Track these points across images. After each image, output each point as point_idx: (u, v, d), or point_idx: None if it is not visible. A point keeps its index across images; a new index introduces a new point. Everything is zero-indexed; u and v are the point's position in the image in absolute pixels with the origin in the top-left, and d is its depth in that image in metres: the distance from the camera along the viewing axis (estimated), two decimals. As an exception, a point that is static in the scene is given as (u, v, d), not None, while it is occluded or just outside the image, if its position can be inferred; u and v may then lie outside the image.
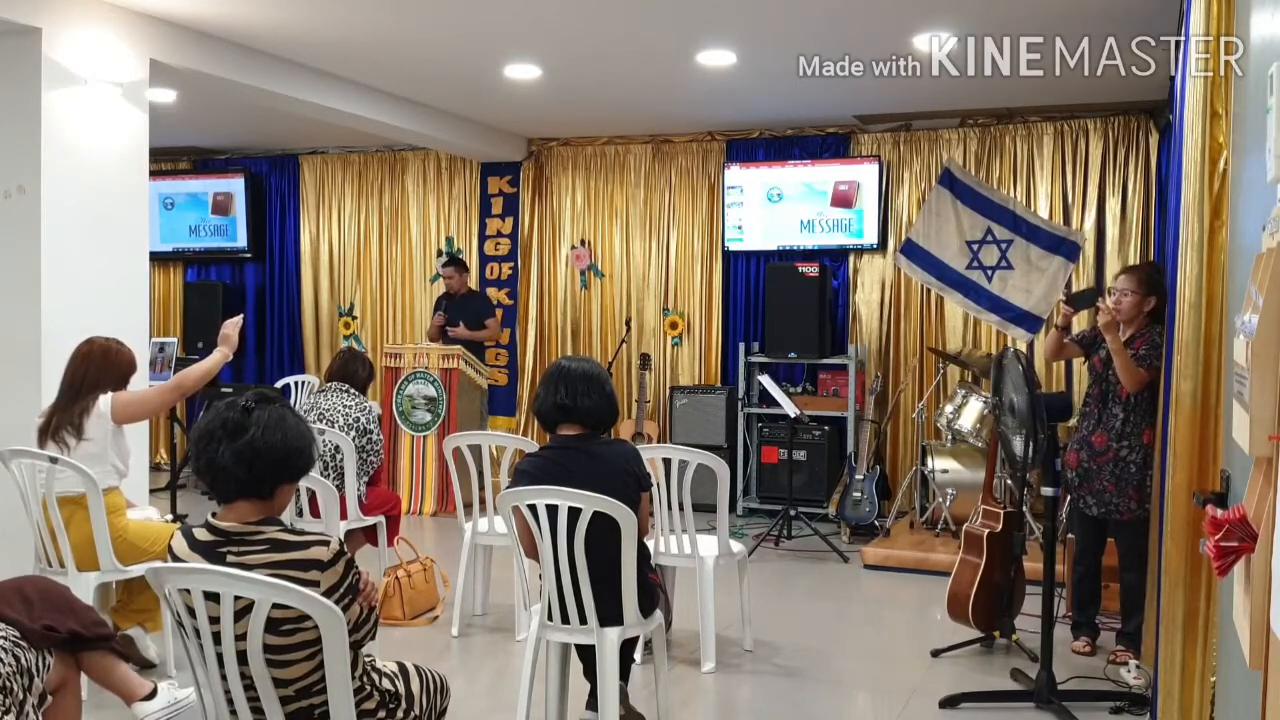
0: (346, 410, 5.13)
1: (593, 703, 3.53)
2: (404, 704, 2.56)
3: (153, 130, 5.50)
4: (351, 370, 5.32)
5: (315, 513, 4.80)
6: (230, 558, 2.29)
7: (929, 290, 7.29)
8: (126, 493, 4.36)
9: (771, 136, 8.15)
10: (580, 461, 3.34)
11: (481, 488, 4.91)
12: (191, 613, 2.27)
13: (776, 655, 4.69)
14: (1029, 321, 6.36)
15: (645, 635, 3.58)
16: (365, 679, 2.47)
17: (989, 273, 6.48)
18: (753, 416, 7.76)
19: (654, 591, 3.50)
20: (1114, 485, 4.38)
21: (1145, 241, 7.20)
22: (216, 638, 2.26)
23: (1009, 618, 4.62)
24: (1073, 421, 5.68)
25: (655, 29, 5.57)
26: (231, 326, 4.49)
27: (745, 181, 8.09)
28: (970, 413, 6.49)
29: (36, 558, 4.14)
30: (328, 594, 2.25)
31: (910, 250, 6.62)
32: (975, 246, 6.51)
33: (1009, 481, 5.45)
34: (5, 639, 2.83)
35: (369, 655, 2.57)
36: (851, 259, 7.95)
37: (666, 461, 4.46)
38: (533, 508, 3.31)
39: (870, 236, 7.79)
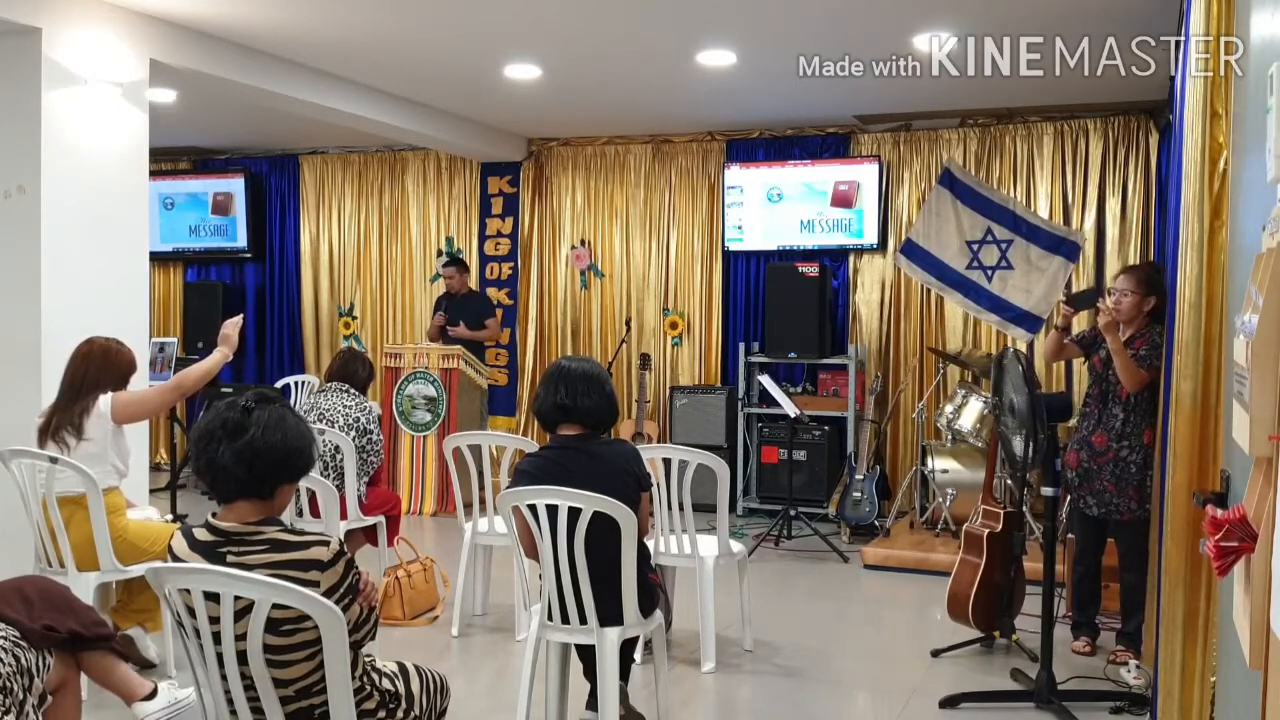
0: (346, 410, 5.13)
1: (593, 703, 3.53)
2: (404, 704, 2.56)
3: (153, 130, 5.50)
4: (351, 370, 5.32)
5: (315, 513, 4.80)
6: (230, 558, 2.29)
7: (929, 290, 7.29)
8: (126, 493, 4.36)
9: (771, 136, 8.15)
10: (580, 461, 3.34)
11: (481, 488, 4.91)
12: (191, 613, 2.27)
13: (776, 655, 4.69)
14: (1029, 321, 6.36)
15: (645, 635, 3.58)
16: (365, 679, 2.47)
17: (989, 273, 6.48)
18: (753, 416, 7.76)
19: (654, 591, 3.50)
20: (1114, 485, 4.38)
21: (1145, 241, 7.20)
22: (216, 638, 2.26)
23: (1009, 618, 4.62)
24: (1073, 421, 5.67)
25: (655, 29, 5.57)
26: (231, 326, 4.49)
27: (745, 181, 8.09)
28: (970, 413, 6.49)
29: (36, 558, 4.14)
30: (328, 594, 2.25)
31: (910, 250, 6.62)
32: (975, 246, 6.52)
33: (1009, 481, 5.45)
34: (5, 639, 2.83)
35: (369, 655, 2.57)
36: (851, 259, 7.95)
37: (666, 461, 4.46)
38: (533, 508, 3.31)
39: (870, 236, 7.79)
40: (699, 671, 4.38)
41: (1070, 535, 4.95)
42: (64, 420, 4.04)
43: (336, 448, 4.99)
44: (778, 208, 8.01)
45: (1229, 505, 2.00)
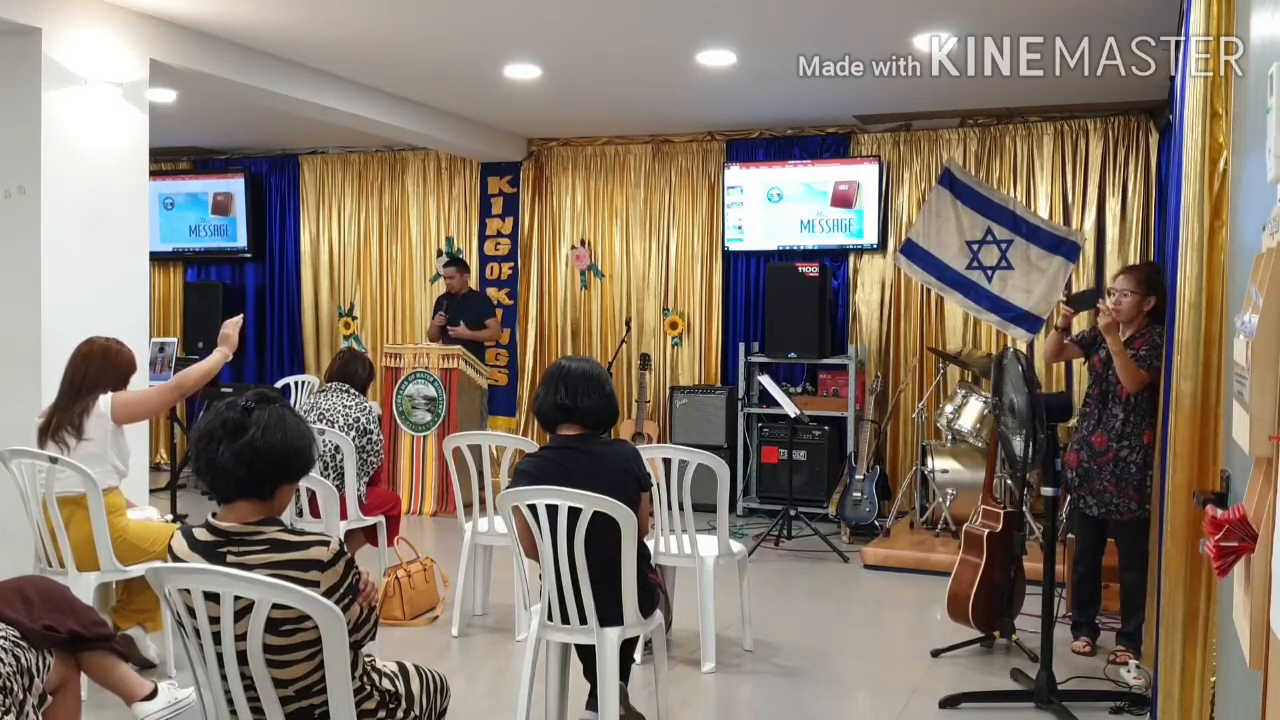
0: (346, 410, 5.13)
1: (593, 703, 3.53)
2: (404, 704, 2.56)
3: (153, 130, 5.50)
4: (351, 370, 5.32)
5: (315, 513, 4.80)
6: (230, 558, 2.29)
7: (929, 290, 7.29)
8: (126, 493, 4.36)
9: (771, 136, 8.15)
10: (580, 461, 3.34)
11: (481, 488, 4.91)
12: (191, 613, 2.27)
13: (776, 655, 4.69)
14: (1029, 321, 6.36)
15: (645, 635, 3.58)
16: (365, 679, 2.47)
17: (989, 273, 6.48)
18: (753, 416, 7.76)
19: (654, 591, 3.50)
20: (1114, 485, 4.38)
21: (1145, 241, 7.20)
22: (216, 638, 2.26)
23: (1009, 618, 4.62)
24: (1073, 421, 5.67)
25: (655, 29, 5.57)
26: (231, 326, 4.49)
27: (745, 181, 8.09)
28: (970, 413, 6.49)
29: (36, 558, 4.14)
30: (328, 594, 2.25)
31: (910, 250, 6.62)
32: (975, 246, 6.52)
33: (1009, 481, 5.44)
34: (5, 639, 2.83)
35: (369, 655, 2.57)
36: (851, 259, 7.95)
37: (666, 461, 4.46)
38: (533, 508, 3.31)
39: (870, 236, 7.79)
40: (699, 671, 4.38)
41: (1070, 535, 4.95)
42: (64, 420, 4.04)
43: (336, 448, 4.99)
44: (778, 208, 8.01)
45: (1229, 505, 2.00)
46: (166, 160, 9.75)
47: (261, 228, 9.67)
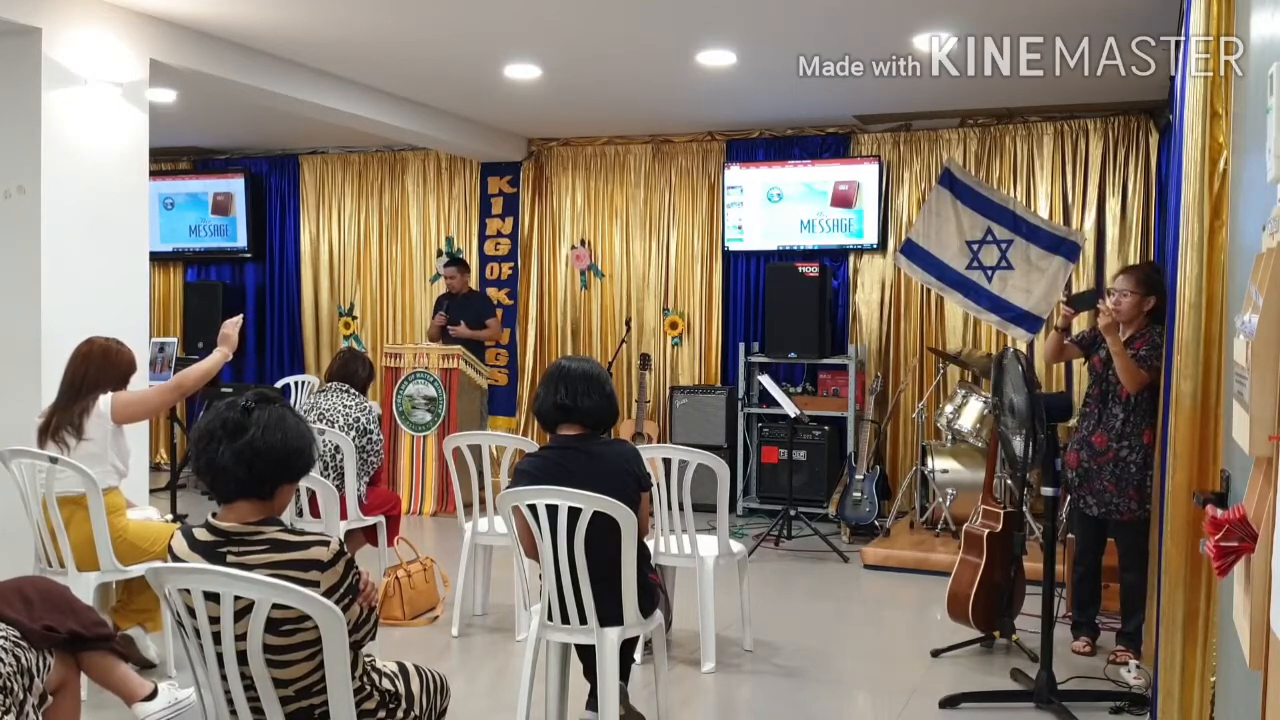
0: (346, 410, 5.13)
1: (593, 703, 3.53)
2: (404, 704, 2.56)
3: (153, 130, 5.50)
4: (351, 370, 5.32)
5: (315, 513, 4.80)
6: (230, 558, 2.29)
7: (929, 290, 7.29)
8: (126, 493, 4.36)
9: (771, 136, 8.15)
10: (580, 461, 3.34)
11: (481, 488, 4.91)
12: (191, 613, 2.27)
13: (776, 655, 4.69)
14: (1029, 321, 6.36)
15: (645, 635, 3.58)
16: (365, 679, 2.47)
17: (989, 273, 6.48)
18: (753, 416, 7.76)
19: (654, 591, 3.50)
20: (1114, 485, 4.38)
21: (1145, 241, 7.20)
22: (216, 638, 2.26)
23: (1009, 618, 4.62)
24: (1073, 421, 5.67)
25: (655, 29, 5.57)
26: (231, 326, 4.49)
27: (745, 181, 8.09)
28: (970, 413, 6.49)
29: (36, 558, 4.14)
30: (328, 594, 2.25)
31: (910, 250, 6.62)
32: (975, 246, 6.52)
33: (1009, 481, 5.44)
34: (5, 639, 2.83)
35: (369, 655, 2.57)
36: (851, 259, 7.96)
37: (666, 461, 4.46)
38: (533, 508, 3.31)
39: (870, 236, 7.79)
40: (699, 671, 4.38)
41: (1070, 535, 4.95)
42: (64, 420, 4.04)
43: (336, 448, 4.99)
44: (778, 208, 8.01)
45: (1229, 505, 2.00)
46: (166, 160, 9.75)
47: (261, 228, 9.67)
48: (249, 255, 9.64)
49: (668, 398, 8.16)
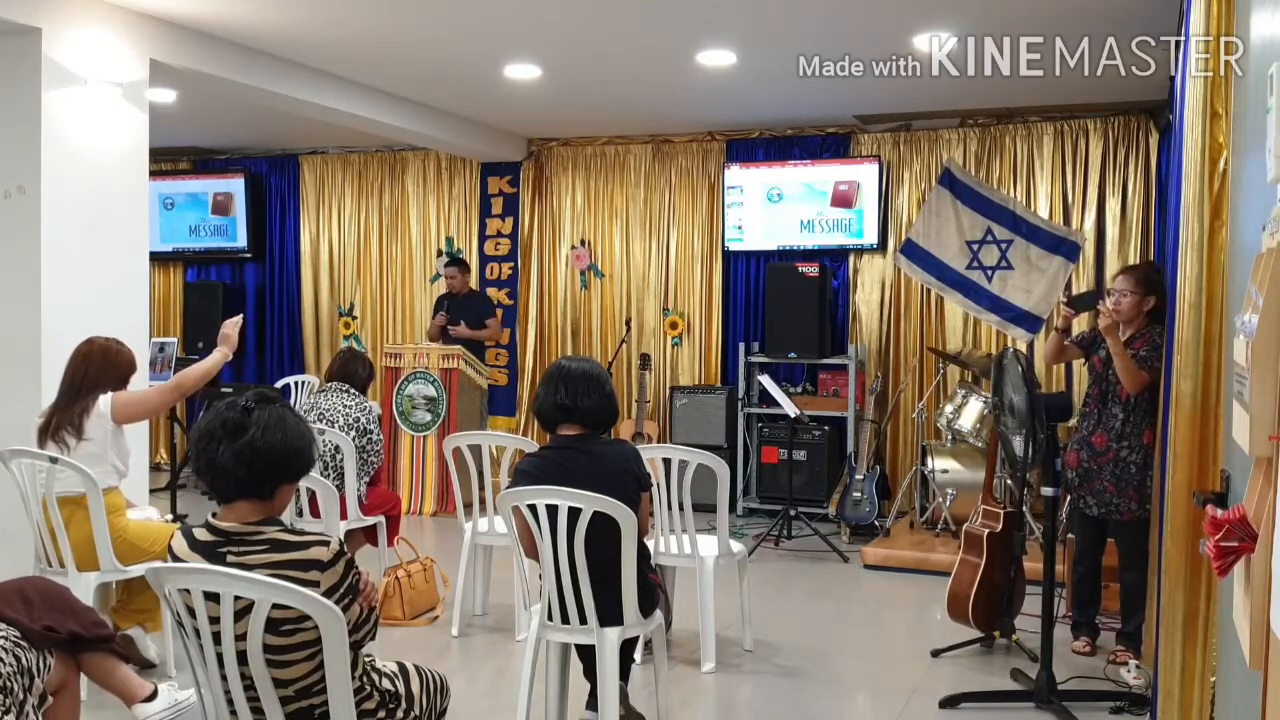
0: (346, 410, 5.13)
1: (593, 703, 3.53)
2: (404, 704, 2.56)
3: (153, 130, 5.50)
4: (351, 370, 5.32)
5: (315, 513, 4.80)
6: (230, 558, 2.29)
7: (929, 290, 7.29)
8: (126, 493, 4.36)
9: (771, 136, 8.15)
10: (580, 461, 3.34)
11: (481, 488, 4.91)
12: (191, 613, 2.27)
13: (776, 655, 4.69)
14: (1029, 321, 6.36)
15: (645, 635, 3.58)
16: (365, 679, 2.47)
17: (989, 273, 6.48)
18: (753, 416, 7.76)
19: (654, 591, 3.50)
20: (1114, 485, 4.38)
21: (1145, 241, 7.20)
22: (216, 638, 2.26)
23: (1009, 618, 4.62)
24: (1073, 421, 5.67)
25: (655, 29, 5.57)
26: (231, 326, 4.49)
27: (745, 181, 8.09)
28: (970, 413, 6.49)
29: (36, 558, 4.14)
30: (328, 594, 2.25)
31: (910, 250, 6.62)
32: (975, 246, 6.52)
33: (1009, 481, 5.44)
34: (6, 639, 2.83)
35: (369, 655, 2.57)
36: (851, 259, 7.96)
37: (666, 461, 4.46)
38: (533, 508, 3.31)
39: (870, 236, 7.79)
40: (699, 671, 4.38)
41: (1070, 535, 4.95)
42: (64, 420, 4.04)
43: (336, 448, 4.99)
44: (778, 208, 8.01)
45: (1229, 505, 2.00)
46: (166, 160, 9.75)
47: (261, 228, 9.67)
48: (249, 255, 9.64)
49: (668, 398, 8.16)
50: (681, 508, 4.43)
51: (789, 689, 4.28)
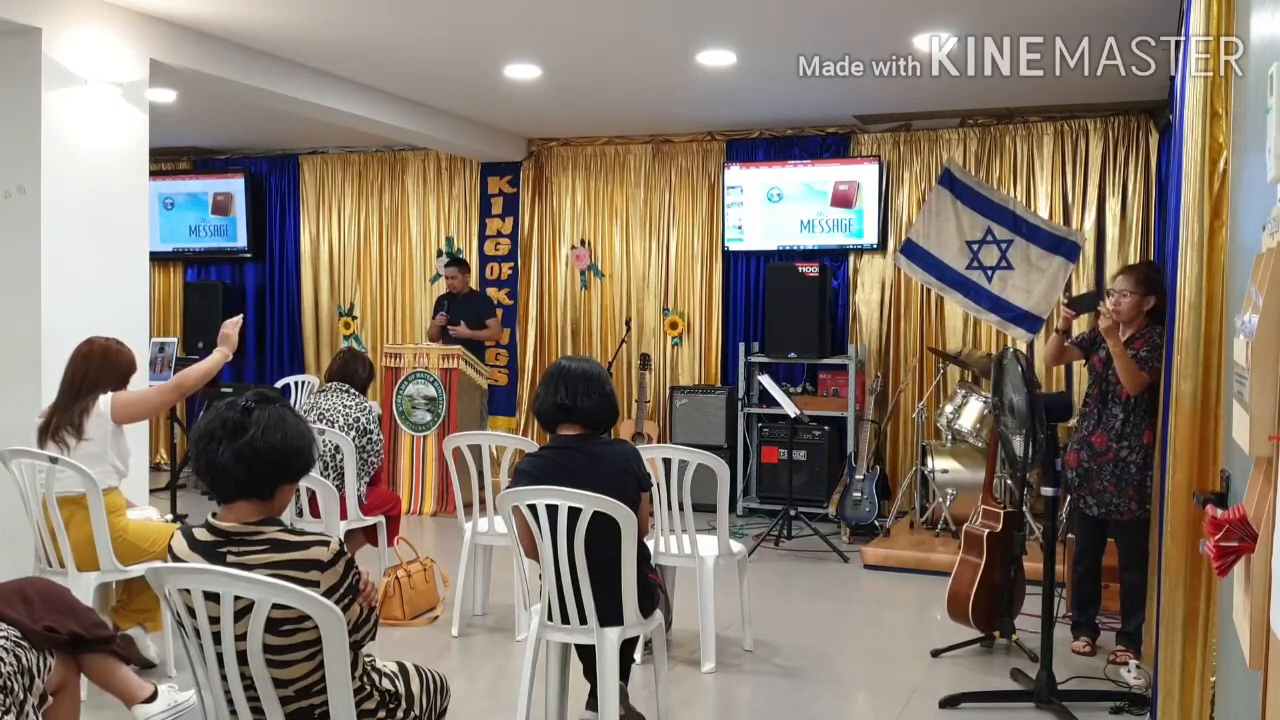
0: (346, 410, 5.13)
1: (593, 703, 3.53)
2: (404, 704, 2.56)
3: (153, 130, 5.50)
4: (351, 370, 5.32)
5: (315, 513, 4.80)
6: (230, 558, 2.29)
7: (929, 290, 7.29)
8: (126, 493, 4.36)
9: (771, 136, 8.15)
10: (580, 461, 3.34)
11: (481, 488, 4.91)
12: (191, 613, 2.27)
13: (776, 655, 4.69)
14: (1029, 321, 6.36)
15: (645, 635, 3.58)
16: (365, 679, 2.47)
17: (989, 273, 6.48)
18: (753, 416, 7.76)
19: (654, 591, 3.50)
20: (1114, 485, 4.38)
21: (1145, 241, 7.20)
22: (216, 638, 2.26)
23: (1009, 618, 4.62)
24: (1073, 421, 5.67)
25: (655, 29, 5.57)
26: (231, 326, 4.49)
27: (745, 181, 8.09)
28: (970, 413, 6.49)
29: (36, 558, 4.14)
30: (328, 594, 2.25)
31: (910, 250, 6.62)
32: (975, 246, 6.51)
33: (1009, 481, 5.44)
34: (6, 639, 2.83)
35: (369, 655, 2.57)
36: (851, 259, 7.96)
37: (666, 461, 4.46)
38: (533, 508, 3.31)
39: (870, 236, 7.79)
40: (699, 671, 4.38)
41: (1070, 535, 4.95)
42: (64, 420, 4.04)
43: (336, 448, 4.99)
44: (778, 208, 8.01)
45: (1229, 505, 2.00)
46: (166, 160, 9.75)
47: (261, 228, 9.67)
48: (249, 255, 9.64)
49: (668, 398, 8.16)
50: (681, 508, 4.43)
51: (789, 689, 4.29)
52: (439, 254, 9.09)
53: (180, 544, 2.36)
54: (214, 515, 2.38)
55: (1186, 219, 3.11)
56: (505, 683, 4.28)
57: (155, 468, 8.41)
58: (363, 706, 2.42)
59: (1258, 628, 1.58)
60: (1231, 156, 2.90)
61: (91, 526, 3.94)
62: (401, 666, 2.66)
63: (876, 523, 6.93)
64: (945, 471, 6.61)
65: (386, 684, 2.55)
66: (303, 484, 4.36)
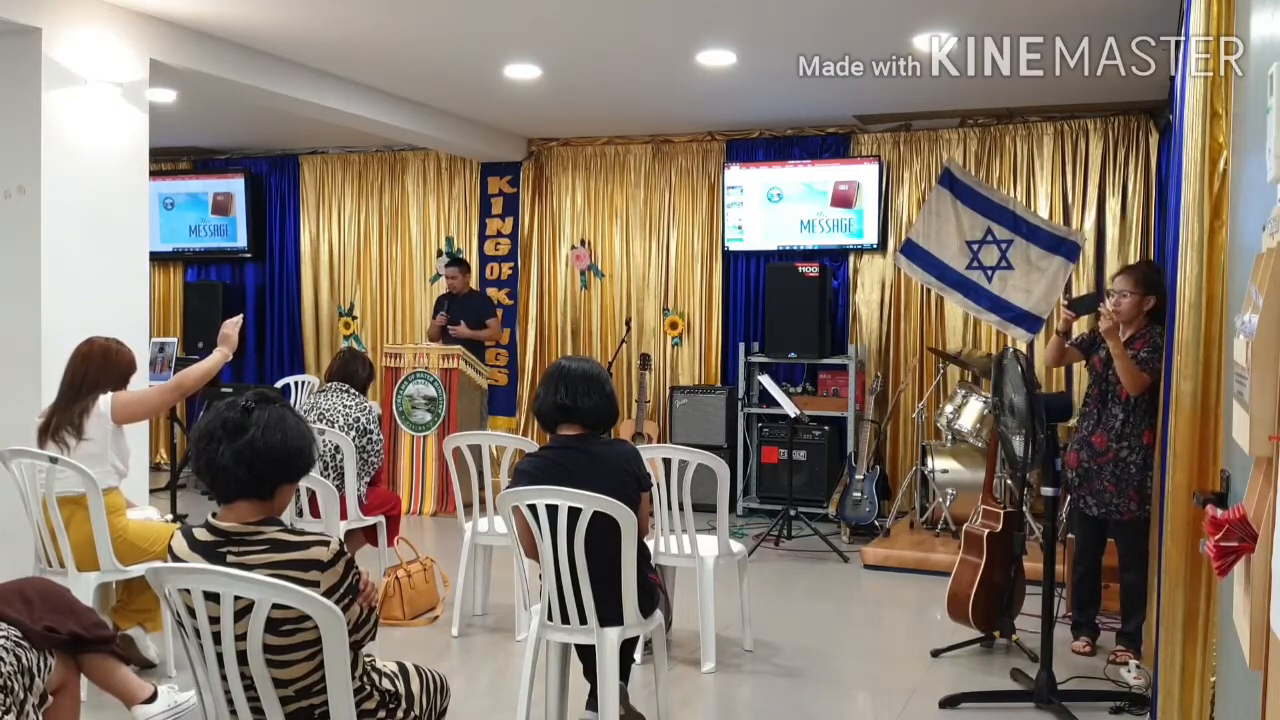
0: (346, 410, 5.13)
1: (593, 703, 3.53)
2: (404, 704, 2.56)
3: (153, 130, 5.50)
4: (351, 370, 5.32)
5: (315, 513, 4.80)
6: (230, 558, 2.29)
7: (929, 290, 7.29)
8: (126, 493, 4.36)
9: (771, 136, 8.15)
10: (580, 461, 3.34)
11: (481, 488, 4.91)
12: (191, 613, 2.27)
13: (776, 655, 4.69)
14: (1029, 321, 6.35)
15: (645, 635, 3.58)
16: (365, 679, 2.47)
17: (989, 273, 6.48)
18: (753, 416, 7.76)
19: (654, 591, 3.50)
20: (1114, 486, 4.38)
21: (1145, 241, 7.20)
22: (216, 638, 2.26)
23: (1009, 618, 4.61)
24: (1073, 421, 5.67)
25: (655, 29, 5.57)
26: (231, 326, 4.49)
27: (745, 181, 8.09)
28: (970, 413, 6.49)
29: (36, 558, 4.14)
30: (328, 594, 2.25)
31: (910, 250, 6.62)
32: (975, 246, 6.51)
33: (1009, 481, 5.44)
34: (6, 639, 2.83)
35: (369, 655, 2.57)
36: (851, 259, 7.96)
37: (666, 461, 4.46)
38: (533, 508, 3.31)
39: (870, 236, 7.79)
40: (699, 671, 4.38)
41: (1070, 535, 4.95)
42: (64, 420, 4.04)
43: (336, 448, 4.99)
44: (778, 208, 8.01)
45: (1229, 505, 2.00)
46: (166, 160, 9.75)
47: (261, 228, 9.67)
48: (249, 255, 9.64)
49: (668, 398, 8.16)
50: (681, 508, 4.43)
51: (789, 689, 4.29)
52: (439, 254, 9.09)
53: (180, 544, 2.36)
54: (214, 515, 2.38)
55: (1186, 219, 3.11)
56: (505, 683, 4.28)
57: (155, 468, 8.41)
58: (363, 706, 2.42)
59: (1258, 628, 1.58)
60: (1231, 156, 2.90)
61: (91, 526, 3.94)
62: (401, 666, 2.66)
63: (876, 523, 6.93)
64: (945, 471, 6.61)
65: (386, 684, 2.55)
66: (303, 484, 4.36)
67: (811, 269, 7.51)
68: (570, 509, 3.24)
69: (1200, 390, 3.08)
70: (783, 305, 7.57)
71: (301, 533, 2.35)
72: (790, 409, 6.69)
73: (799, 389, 7.83)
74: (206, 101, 7.42)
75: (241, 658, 2.25)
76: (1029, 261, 6.40)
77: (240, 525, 2.32)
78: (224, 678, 2.30)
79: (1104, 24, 4.28)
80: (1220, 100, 3.00)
